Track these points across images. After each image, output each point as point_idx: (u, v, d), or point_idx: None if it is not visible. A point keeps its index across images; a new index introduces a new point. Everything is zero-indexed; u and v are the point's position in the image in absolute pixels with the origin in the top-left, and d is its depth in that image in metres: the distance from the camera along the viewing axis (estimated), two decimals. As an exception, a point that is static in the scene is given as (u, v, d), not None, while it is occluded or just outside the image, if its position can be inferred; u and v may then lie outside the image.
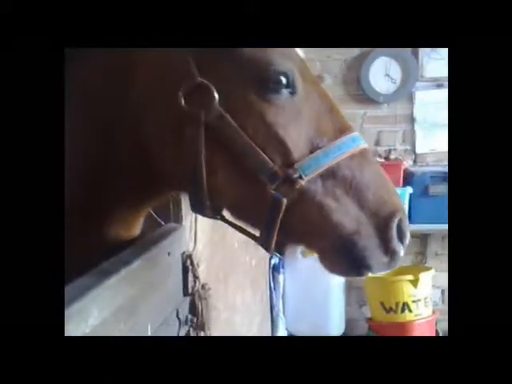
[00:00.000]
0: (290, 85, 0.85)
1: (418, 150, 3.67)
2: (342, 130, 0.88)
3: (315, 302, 3.38)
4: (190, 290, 1.21)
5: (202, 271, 1.32)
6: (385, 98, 3.66)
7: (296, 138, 0.84)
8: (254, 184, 0.84)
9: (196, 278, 1.25)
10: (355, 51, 3.67)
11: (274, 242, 0.86)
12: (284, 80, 0.84)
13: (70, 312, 0.62)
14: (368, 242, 0.85)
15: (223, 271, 1.77)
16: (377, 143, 3.74)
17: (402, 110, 3.67)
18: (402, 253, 0.88)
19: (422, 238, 3.64)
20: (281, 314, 3.28)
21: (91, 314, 0.67)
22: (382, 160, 3.63)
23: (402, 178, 3.45)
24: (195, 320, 1.19)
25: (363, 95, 3.67)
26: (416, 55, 3.58)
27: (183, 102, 0.83)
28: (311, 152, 0.84)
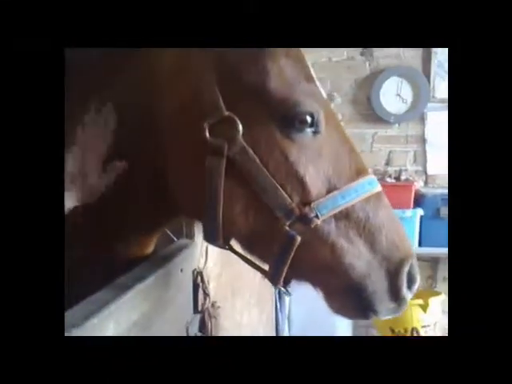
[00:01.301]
0: (315, 125, 0.86)
1: (430, 171, 3.64)
2: (360, 171, 0.89)
3: (321, 324, 3.32)
4: (200, 308, 1.19)
5: (211, 289, 1.30)
6: (396, 119, 3.65)
7: (315, 176, 0.85)
8: (270, 219, 0.84)
9: (206, 295, 1.23)
10: (366, 70, 3.68)
11: (282, 278, 0.86)
12: (309, 120, 0.85)
13: (87, 326, 0.61)
14: (378, 286, 0.86)
15: (231, 289, 1.74)
16: (387, 163, 3.72)
17: (414, 130, 3.66)
18: (409, 298, 0.88)
19: (432, 262, 3.58)
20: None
21: (108, 329, 0.65)
22: (393, 181, 3.61)
23: (412, 199, 3.41)
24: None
25: (374, 115, 3.67)
26: (428, 75, 3.58)
27: (208, 133, 0.83)
28: (328, 192, 0.85)
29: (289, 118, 0.84)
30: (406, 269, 0.86)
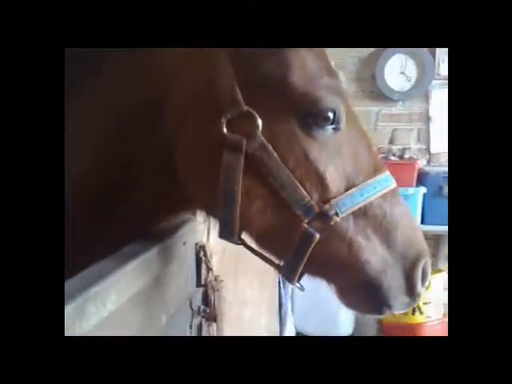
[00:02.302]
0: (336, 121, 0.84)
1: (433, 150, 3.62)
2: (377, 168, 0.88)
3: (324, 301, 3.35)
4: (202, 281, 1.20)
5: (214, 263, 1.30)
6: (400, 96, 3.61)
7: (334, 174, 0.84)
8: (288, 216, 0.83)
9: (209, 269, 1.24)
10: (370, 48, 3.63)
11: (298, 275, 0.85)
12: (331, 116, 0.83)
13: (89, 295, 0.60)
14: (393, 282, 0.86)
15: (234, 265, 1.75)
16: (391, 141, 3.70)
17: (418, 108, 3.63)
18: (422, 293, 0.88)
19: (435, 240, 3.59)
20: (289, 313, 3.25)
21: (110, 299, 0.66)
22: (396, 159, 3.59)
23: (415, 177, 3.40)
24: (208, 311, 1.17)
25: (378, 92, 3.63)
26: (433, 53, 3.53)
27: (225, 129, 0.80)
28: (347, 189, 0.84)
29: (310, 114, 0.82)
30: (421, 265, 0.86)
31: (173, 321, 0.98)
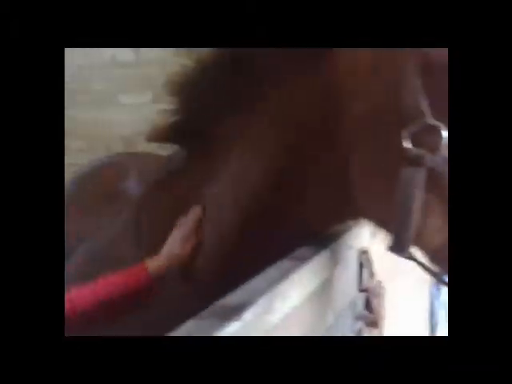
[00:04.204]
0: None
1: None
2: None
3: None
4: (364, 286, 1.19)
5: (376, 268, 1.29)
6: None
7: None
8: None
9: (372, 274, 1.23)
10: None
11: None
12: None
13: (275, 292, 0.65)
14: None
15: (394, 271, 1.70)
16: None
17: None
18: None
19: None
20: (441, 324, 3.03)
21: (291, 297, 0.70)
22: None
23: None
24: (369, 316, 1.17)
25: None
26: None
27: (409, 142, 0.78)
28: None
29: None
30: None
31: (336, 324, 1.01)
